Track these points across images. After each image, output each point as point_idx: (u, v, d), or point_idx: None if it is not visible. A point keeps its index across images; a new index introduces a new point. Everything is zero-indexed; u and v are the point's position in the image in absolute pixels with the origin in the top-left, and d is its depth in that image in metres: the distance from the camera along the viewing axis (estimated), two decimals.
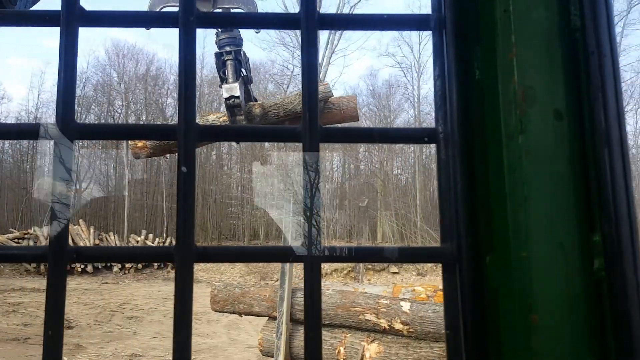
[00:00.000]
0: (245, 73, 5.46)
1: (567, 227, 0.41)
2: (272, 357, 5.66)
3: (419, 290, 5.95)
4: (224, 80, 5.31)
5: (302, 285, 6.18)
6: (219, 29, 5.18)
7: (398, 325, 5.30)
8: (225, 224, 29.79)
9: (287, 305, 5.60)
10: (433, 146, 0.47)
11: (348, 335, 5.54)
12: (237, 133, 0.51)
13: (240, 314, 5.99)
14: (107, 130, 0.50)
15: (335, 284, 6.57)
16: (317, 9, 0.48)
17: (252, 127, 0.52)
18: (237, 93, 5.13)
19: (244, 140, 0.51)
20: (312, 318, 0.45)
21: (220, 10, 4.97)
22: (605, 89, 0.42)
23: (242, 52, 5.37)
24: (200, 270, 21.74)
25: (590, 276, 0.41)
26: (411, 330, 5.24)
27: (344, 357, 5.47)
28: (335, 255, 0.46)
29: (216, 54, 5.35)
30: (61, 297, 0.45)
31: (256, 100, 6.03)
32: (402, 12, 0.49)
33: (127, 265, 21.10)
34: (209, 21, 0.50)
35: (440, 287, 5.78)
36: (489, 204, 0.43)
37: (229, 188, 31.56)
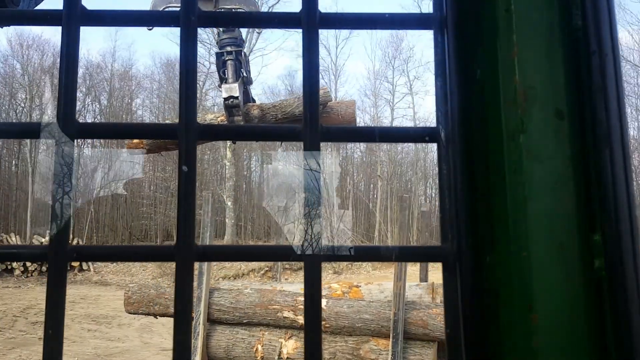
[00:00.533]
0: (245, 74, 5.46)
1: (567, 227, 0.41)
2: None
3: (335, 287, 6.09)
4: (223, 80, 5.31)
5: (219, 285, 6.21)
6: (221, 29, 5.19)
7: None
8: (136, 224, 29.05)
9: (204, 306, 5.63)
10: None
11: (266, 333, 5.65)
12: (238, 132, 0.51)
13: (155, 315, 5.98)
14: (108, 129, 0.50)
15: (254, 283, 6.62)
16: (318, 7, 0.48)
17: (252, 126, 0.52)
18: (237, 93, 5.14)
19: (245, 139, 0.51)
20: (312, 318, 0.45)
21: (222, 9, 4.99)
22: (606, 89, 0.42)
23: (242, 53, 5.37)
24: (110, 272, 20.97)
25: (591, 276, 0.41)
26: (327, 325, 5.40)
27: (262, 355, 5.56)
28: (335, 255, 0.46)
29: (217, 53, 5.37)
30: (61, 297, 0.45)
31: (255, 101, 6.03)
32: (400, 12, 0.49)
33: (30, 268, 20.07)
34: (210, 20, 0.50)
35: (355, 283, 5.86)
36: (490, 203, 0.43)
37: (140, 187, 30.88)
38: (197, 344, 5.56)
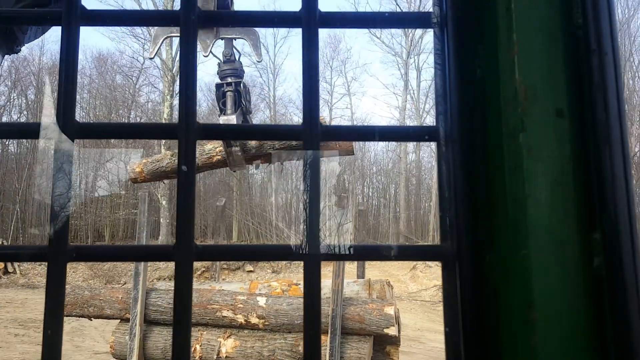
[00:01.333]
0: (244, 104, 5.54)
1: (567, 225, 0.42)
2: (125, 359, 5.60)
3: (275, 285, 6.13)
4: (223, 111, 5.43)
5: (156, 286, 6.19)
6: (222, 60, 5.31)
7: (254, 320, 5.46)
8: None
9: (140, 306, 5.58)
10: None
11: (204, 332, 5.61)
12: (239, 132, 0.51)
13: (89, 317, 5.89)
14: (107, 129, 0.50)
15: None
16: (318, 6, 0.48)
17: (253, 125, 0.52)
18: None
19: (246, 139, 0.51)
20: (311, 315, 0.45)
21: (222, 40, 5.09)
22: (606, 87, 0.42)
23: (242, 84, 5.48)
24: (37, 275, 20.08)
25: (590, 274, 0.41)
26: (267, 323, 5.44)
27: (200, 354, 5.52)
28: (334, 254, 0.46)
29: (217, 85, 5.47)
30: (61, 297, 0.45)
31: None
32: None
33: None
34: (210, 20, 0.50)
35: (295, 281, 5.97)
36: (489, 202, 0.43)
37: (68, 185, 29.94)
38: (134, 345, 5.50)
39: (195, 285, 6.28)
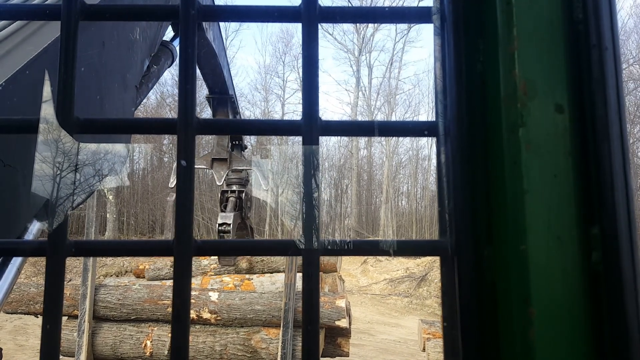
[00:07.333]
0: (244, 209, 5.83)
1: (566, 220, 0.42)
2: (73, 356, 5.58)
3: (227, 281, 6.19)
4: (222, 212, 5.67)
5: (105, 282, 6.18)
6: (230, 170, 5.64)
7: (206, 315, 5.52)
8: None
9: (89, 303, 5.56)
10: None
11: (155, 328, 5.62)
12: (237, 126, 0.51)
13: (35, 314, 5.85)
14: (107, 124, 0.50)
15: (141, 279, 6.58)
16: (318, 1, 0.48)
17: (252, 120, 0.52)
18: (230, 221, 5.47)
19: (244, 134, 0.51)
20: (309, 311, 0.45)
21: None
22: (605, 83, 0.42)
23: (244, 193, 5.77)
24: None
25: (588, 269, 0.41)
26: (219, 318, 5.50)
27: (151, 350, 5.53)
28: (333, 249, 0.46)
29: (222, 190, 5.78)
30: (60, 292, 0.45)
31: (252, 230, 6.45)
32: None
33: None
34: (210, 15, 0.50)
35: (247, 276, 6.06)
36: (488, 197, 0.43)
37: None
38: (82, 342, 5.48)
39: (145, 281, 6.28)
